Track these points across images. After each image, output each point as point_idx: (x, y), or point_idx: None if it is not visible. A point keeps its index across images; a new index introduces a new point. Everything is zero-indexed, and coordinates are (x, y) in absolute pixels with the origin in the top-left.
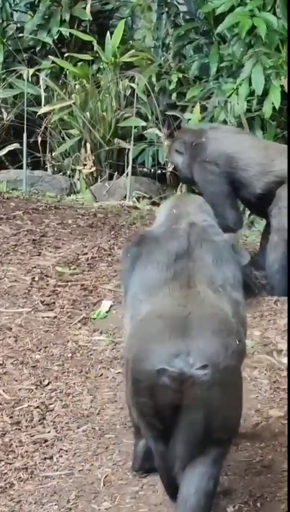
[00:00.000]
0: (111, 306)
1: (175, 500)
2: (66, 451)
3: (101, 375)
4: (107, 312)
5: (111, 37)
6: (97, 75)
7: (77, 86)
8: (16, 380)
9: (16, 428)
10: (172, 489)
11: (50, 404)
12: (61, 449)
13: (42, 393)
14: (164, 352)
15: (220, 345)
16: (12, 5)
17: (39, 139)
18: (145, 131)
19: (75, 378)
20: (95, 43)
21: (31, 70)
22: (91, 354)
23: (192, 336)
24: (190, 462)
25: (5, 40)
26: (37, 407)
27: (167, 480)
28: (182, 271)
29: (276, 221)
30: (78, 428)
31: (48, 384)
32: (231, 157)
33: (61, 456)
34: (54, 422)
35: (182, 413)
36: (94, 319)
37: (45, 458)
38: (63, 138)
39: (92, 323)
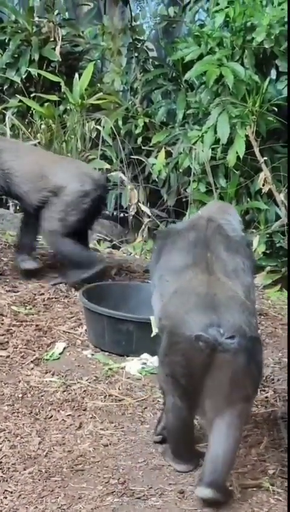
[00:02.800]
0: (64, 348)
1: (181, 461)
2: (11, 492)
3: (50, 417)
4: (60, 354)
5: (79, 78)
6: (64, 115)
7: (42, 126)
8: None
9: None
10: (181, 448)
11: None
12: (6, 490)
13: None
14: (200, 322)
15: (244, 320)
16: None
17: None
18: (109, 174)
19: (24, 419)
20: (63, 84)
21: None
22: (42, 395)
23: (221, 312)
24: (218, 415)
25: None
26: None
27: (178, 437)
28: (201, 258)
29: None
30: (25, 470)
31: None
32: (6, 173)
33: (6, 498)
34: (1, 462)
35: (212, 374)
36: (47, 360)
37: None
38: None
39: (45, 364)
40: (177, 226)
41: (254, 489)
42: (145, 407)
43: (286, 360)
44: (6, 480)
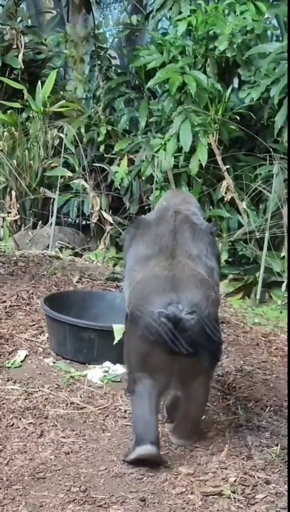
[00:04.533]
0: (26, 356)
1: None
2: None
3: (12, 425)
4: (22, 361)
5: (42, 86)
6: (26, 123)
7: (5, 133)
8: None
9: None
10: (147, 417)
11: None
12: None
13: None
14: (160, 301)
15: (202, 296)
16: None
17: None
18: (71, 182)
19: None
20: (25, 91)
21: None
22: (3, 403)
23: (180, 290)
24: (185, 384)
25: None
26: None
27: (145, 409)
28: (166, 247)
29: None
30: None
31: None
32: None
33: None
34: None
35: (177, 345)
36: (8, 368)
37: None
38: None
39: (6, 372)
40: (147, 217)
41: (215, 496)
42: (107, 415)
43: (247, 368)
44: None
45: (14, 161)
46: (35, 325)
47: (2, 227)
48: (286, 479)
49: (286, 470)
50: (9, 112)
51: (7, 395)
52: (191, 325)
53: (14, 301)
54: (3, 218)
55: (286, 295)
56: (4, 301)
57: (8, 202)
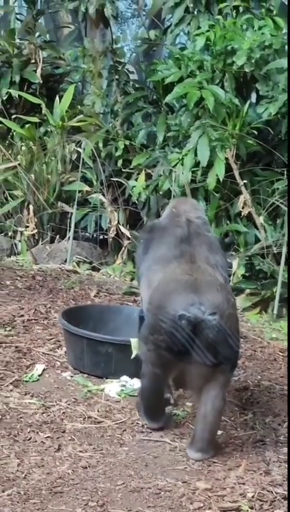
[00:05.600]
0: (44, 370)
1: (152, 420)
2: None
3: (29, 439)
4: (39, 375)
5: (60, 100)
6: (44, 137)
7: (23, 148)
8: None
9: None
10: (153, 408)
11: None
12: None
13: None
14: (182, 303)
15: (223, 299)
16: None
17: None
18: (89, 196)
19: (3, 441)
20: (43, 106)
21: None
22: (21, 417)
23: (202, 292)
24: (203, 387)
25: None
26: None
27: (150, 398)
28: (186, 251)
29: None
30: (3, 492)
31: None
32: None
33: None
34: None
35: (195, 349)
36: (26, 381)
37: None
38: (6, 199)
39: (24, 386)
40: (160, 222)
41: None
42: (124, 430)
43: (264, 382)
44: None
45: (32, 175)
46: (52, 339)
47: (19, 241)
48: None
49: None
50: (27, 126)
51: (25, 409)
52: (213, 326)
53: (32, 315)
54: (21, 233)
55: None
56: (22, 315)
57: (25, 216)
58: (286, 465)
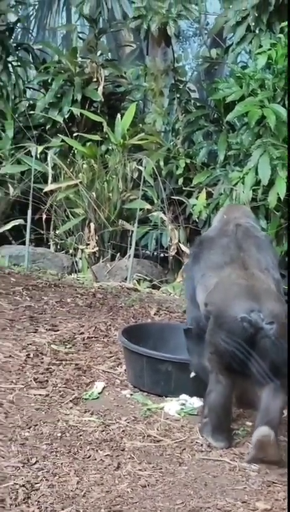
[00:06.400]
0: (104, 387)
1: (219, 437)
2: None
3: (89, 457)
4: (99, 393)
5: (121, 119)
6: (105, 155)
7: (84, 166)
8: (3, 457)
9: (0, 506)
10: (221, 424)
11: (36, 483)
12: None
13: (29, 472)
14: (244, 307)
15: (280, 309)
16: (26, 82)
17: (44, 216)
18: (149, 214)
19: (63, 458)
20: (105, 124)
21: (40, 148)
22: (80, 435)
23: (261, 300)
24: (264, 388)
25: (16, 116)
26: (23, 485)
27: (219, 412)
28: (237, 257)
29: None
30: (63, 509)
31: (36, 462)
32: None
33: None
34: (39, 502)
35: (255, 355)
36: (86, 399)
37: None
38: (67, 216)
39: (84, 404)
40: (209, 234)
41: None
42: (184, 449)
43: None
44: None
45: (93, 193)
46: (112, 356)
47: (80, 259)
48: None
49: None
50: (88, 144)
51: (84, 426)
52: (270, 335)
53: (92, 333)
54: (82, 250)
55: None
56: (82, 333)
57: (86, 234)
58: None
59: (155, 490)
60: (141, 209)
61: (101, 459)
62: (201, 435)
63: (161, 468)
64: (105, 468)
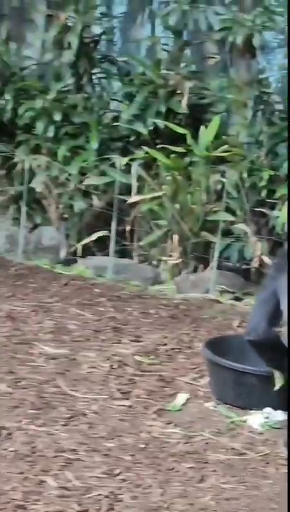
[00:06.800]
0: (187, 399)
1: None
2: None
3: (172, 469)
4: (182, 405)
5: (205, 131)
6: (189, 167)
7: (168, 178)
8: (87, 468)
9: None
10: None
11: (119, 494)
12: None
13: (112, 483)
14: None
15: None
16: (111, 94)
17: (128, 227)
18: (233, 226)
19: (146, 470)
20: (189, 136)
21: (124, 160)
22: (164, 447)
23: None
24: None
25: (100, 128)
26: (107, 496)
27: None
28: None
29: None
30: None
31: (119, 473)
32: None
33: None
34: None
35: None
36: (169, 411)
37: None
38: (151, 228)
39: (167, 415)
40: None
41: None
42: (268, 462)
43: None
44: None
45: (177, 205)
46: (196, 368)
47: (163, 270)
48: None
49: None
50: (172, 156)
51: (168, 438)
52: None
53: (175, 344)
54: (165, 262)
55: None
56: (165, 344)
57: (169, 246)
58: None
59: (239, 504)
60: (224, 221)
61: (185, 472)
62: (285, 449)
63: (245, 482)
64: (188, 480)
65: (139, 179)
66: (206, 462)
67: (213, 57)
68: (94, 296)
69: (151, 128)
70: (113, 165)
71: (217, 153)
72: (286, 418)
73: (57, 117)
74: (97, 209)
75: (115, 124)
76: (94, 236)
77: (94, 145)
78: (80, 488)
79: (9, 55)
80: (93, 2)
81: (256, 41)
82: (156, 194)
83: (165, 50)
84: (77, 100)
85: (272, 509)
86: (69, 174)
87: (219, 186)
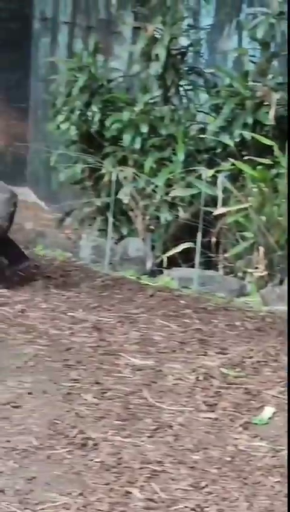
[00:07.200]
0: (274, 413)
1: None
2: None
3: (259, 483)
4: (269, 418)
5: None
6: (275, 179)
7: (254, 189)
8: (173, 480)
9: None
10: None
11: (205, 507)
12: None
13: (198, 496)
14: None
15: None
16: (197, 105)
17: (213, 239)
18: None
19: (232, 483)
20: (276, 147)
21: (210, 171)
22: (250, 460)
23: None
24: None
25: (186, 140)
26: (193, 509)
27: None
28: None
29: None
30: None
31: (205, 486)
32: None
33: None
34: None
35: None
36: (256, 424)
37: None
38: (236, 240)
39: (254, 429)
40: None
41: None
42: None
43: None
44: None
45: (263, 217)
46: (282, 382)
47: (249, 282)
48: None
49: None
50: (259, 168)
51: (254, 451)
52: None
53: (261, 357)
54: (251, 274)
55: None
56: (251, 357)
57: (255, 258)
58: None
59: None
60: None
61: (272, 486)
62: None
63: None
64: (275, 494)
65: (225, 190)
66: None
67: None
68: (180, 308)
69: (237, 140)
70: (199, 177)
71: None
72: None
73: (144, 129)
74: (183, 220)
75: (201, 135)
76: (180, 248)
77: (181, 157)
78: (166, 500)
79: (96, 67)
80: (181, 14)
81: None
82: (242, 206)
83: (252, 62)
84: (163, 112)
85: None
86: (156, 186)
87: None
